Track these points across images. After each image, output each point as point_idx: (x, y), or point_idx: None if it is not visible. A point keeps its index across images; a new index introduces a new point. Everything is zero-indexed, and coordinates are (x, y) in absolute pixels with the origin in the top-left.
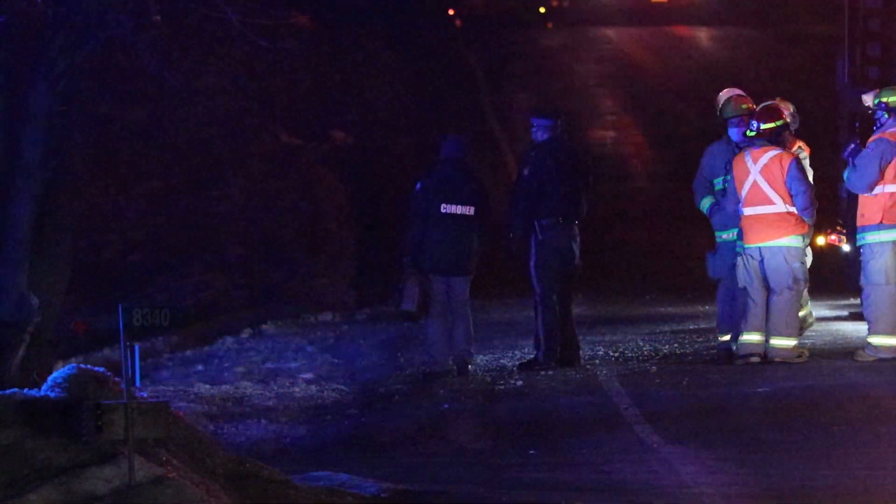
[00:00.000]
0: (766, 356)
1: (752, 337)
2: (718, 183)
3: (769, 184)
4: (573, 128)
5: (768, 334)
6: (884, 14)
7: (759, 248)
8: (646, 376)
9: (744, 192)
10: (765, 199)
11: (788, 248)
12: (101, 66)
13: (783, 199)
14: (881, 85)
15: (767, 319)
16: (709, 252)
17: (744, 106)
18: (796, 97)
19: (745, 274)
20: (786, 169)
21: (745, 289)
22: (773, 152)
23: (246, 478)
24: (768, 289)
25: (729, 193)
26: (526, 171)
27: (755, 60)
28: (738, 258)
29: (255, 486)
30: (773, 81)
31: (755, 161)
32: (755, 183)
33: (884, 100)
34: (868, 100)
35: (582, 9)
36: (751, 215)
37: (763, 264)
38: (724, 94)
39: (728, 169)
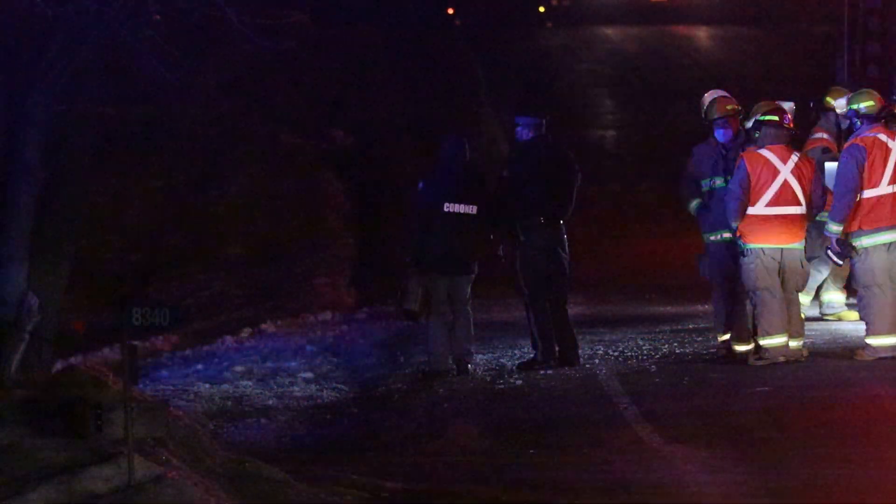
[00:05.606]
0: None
1: (781, 339)
2: (705, 184)
3: (800, 184)
4: (568, 127)
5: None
6: (883, 13)
7: (782, 249)
8: (646, 376)
9: (770, 192)
10: (794, 200)
11: (802, 250)
12: (101, 66)
13: (806, 200)
14: (879, 84)
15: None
16: (697, 254)
17: (729, 107)
18: (796, 97)
19: (766, 274)
20: (813, 172)
21: (766, 289)
22: (797, 154)
23: (246, 478)
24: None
25: (740, 189)
26: (507, 172)
27: (755, 60)
28: (750, 258)
29: (255, 485)
30: (772, 81)
31: (784, 161)
32: (786, 182)
33: (853, 106)
34: (842, 106)
35: (582, 9)
36: (776, 215)
37: (780, 266)
38: (709, 96)
39: (715, 170)
